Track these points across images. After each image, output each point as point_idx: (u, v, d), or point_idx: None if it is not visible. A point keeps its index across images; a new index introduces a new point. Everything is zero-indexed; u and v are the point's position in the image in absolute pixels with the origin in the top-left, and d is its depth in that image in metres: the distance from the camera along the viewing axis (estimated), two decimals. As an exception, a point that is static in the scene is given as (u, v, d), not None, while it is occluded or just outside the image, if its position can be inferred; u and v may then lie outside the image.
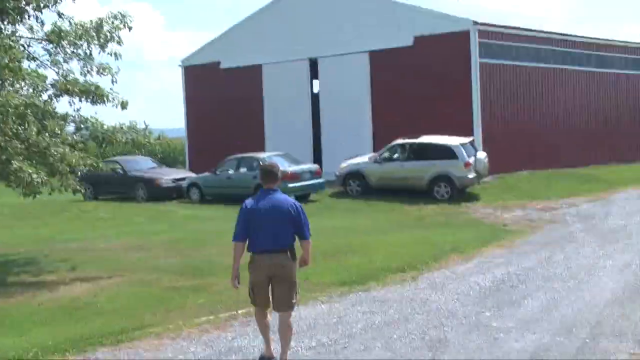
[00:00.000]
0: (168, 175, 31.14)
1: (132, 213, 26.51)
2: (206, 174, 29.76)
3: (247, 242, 8.50)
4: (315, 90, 35.40)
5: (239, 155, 29.13)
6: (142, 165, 32.40)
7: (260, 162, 28.05)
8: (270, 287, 8.65)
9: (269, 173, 8.70)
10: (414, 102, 30.92)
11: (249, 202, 8.56)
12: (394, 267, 14.41)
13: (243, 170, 28.45)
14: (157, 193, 30.08)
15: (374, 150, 30.24)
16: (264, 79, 35.28)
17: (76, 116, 15.58)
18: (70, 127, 15.34)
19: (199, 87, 37.38)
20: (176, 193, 30.30)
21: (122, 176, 31.13)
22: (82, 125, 15.41)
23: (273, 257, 8.43)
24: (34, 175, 12.34)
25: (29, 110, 12.83)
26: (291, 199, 8.66)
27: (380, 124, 31.97)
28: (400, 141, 27.51)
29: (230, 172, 28.67)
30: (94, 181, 31.53)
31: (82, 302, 12.37)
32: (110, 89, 15.54)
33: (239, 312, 11.27)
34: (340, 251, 16.36)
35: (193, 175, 31.29)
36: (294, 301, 8.75)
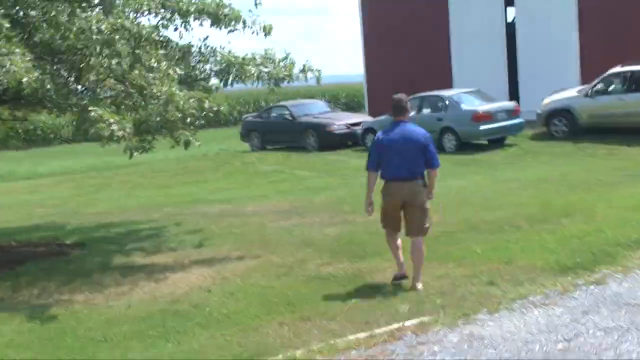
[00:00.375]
0: (341, 120, 27.32)
1: (298, 165, 23.12)
2: (383, 117, 25.85)
3: (380, 171, 8.87)
4: (510, 19, 30.51)
5: (421, 95, 24.96)
6: (312, 109, 28.74)
7: (447, 102, 23.93)
8: (402, 213, 8.92)
9: (397, 106, 8.99)
10: (634, 23, 25.51)
11: (380, 134, 9.05)
12: (635, 239, 10.00)
13: (426, 111, 24.34)
14: (328, 140, 26.46)
15: (583, 83, 25.24)
16: (450, 7, 30.73)
17: (201, 46, 12.06)
18: (193, 60, 11.84)
19: (378, 21, 33.30)
20: (351, 140, 26.58)
21: (290, 122, 27.72)
22: (208, 57, 11.88)
23: (404, 185, 8.76)
24: (115, 127, 8.80)
25: (118, 36, 9.31)
26: (421, 129, 9.05)
27: (589, 52, 26.70)
28: (617, 70, 22.44)
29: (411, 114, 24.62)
30: (262, 129, 28.50)
31: (188, 302, 8.82)
32: (250, 10, 11.92)
33: (406, 323, 7.38)
34: (553, 215, 12.10)
35: (369, 119, 27.46)
36: (426, 226, 8.95)
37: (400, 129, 8.82)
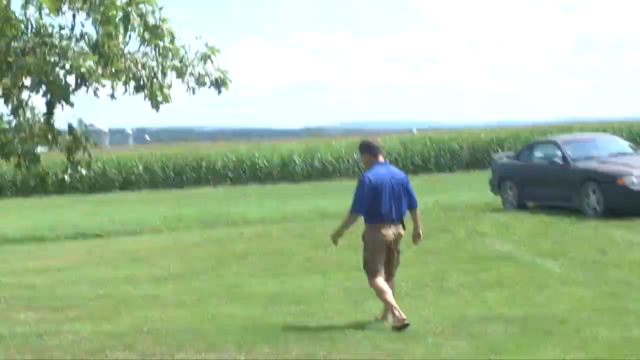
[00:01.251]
0: (646, 169, 16.70)
1: (552, 246, 13.29)
2: None
3: (370, 213, 8.55)
4: None
5: None
6: (600, 149, 18.25)
7: None
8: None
9: (376, 146, 8.85)
10: None
11: (371, 174, 8.61)
12: None
13: None
14: (620, 201, 16.00)
15: None
16: None
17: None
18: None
19: None
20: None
21: (561, 169, 17.52)
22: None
23: (394, 227, 8.59)
24: None
25: None
26: (398, 169, 9.07)
27: None
28: None
29: None
30: (519, 178, 18.82)
31: None
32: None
33: None
34: None
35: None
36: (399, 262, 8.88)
37: (386, 168, 8.79)
